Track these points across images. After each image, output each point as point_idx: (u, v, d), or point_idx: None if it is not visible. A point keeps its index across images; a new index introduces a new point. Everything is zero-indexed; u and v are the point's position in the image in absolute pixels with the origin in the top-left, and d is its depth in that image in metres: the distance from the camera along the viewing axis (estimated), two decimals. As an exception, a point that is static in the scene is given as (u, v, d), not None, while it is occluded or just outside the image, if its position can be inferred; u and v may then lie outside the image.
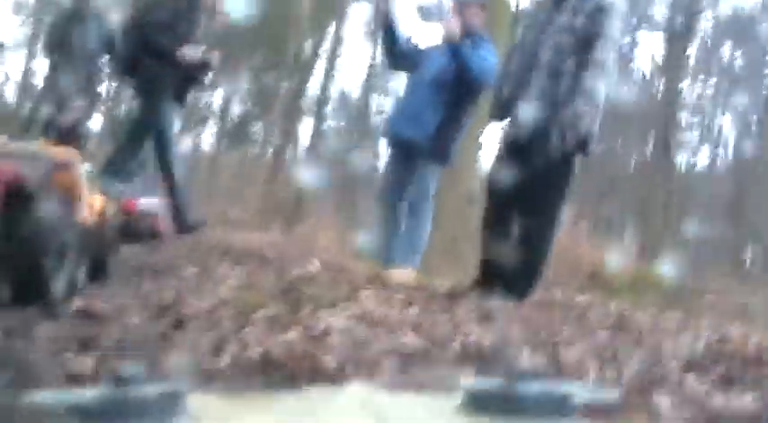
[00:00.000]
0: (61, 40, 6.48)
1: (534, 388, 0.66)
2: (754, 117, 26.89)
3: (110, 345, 2.13)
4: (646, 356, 2.46)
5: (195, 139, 28.73)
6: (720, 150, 28.89)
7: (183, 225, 5.84)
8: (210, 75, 6.79)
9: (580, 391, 0.67)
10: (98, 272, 3.72)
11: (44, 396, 0.68)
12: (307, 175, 14.92)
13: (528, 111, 4.26)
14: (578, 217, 14.74)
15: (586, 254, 16.56)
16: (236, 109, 29.71)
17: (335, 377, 1.86)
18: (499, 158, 4.52)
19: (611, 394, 0.83)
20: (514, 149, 4.33)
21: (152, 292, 3.15)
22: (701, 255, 28.84)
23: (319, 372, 1.92)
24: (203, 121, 28.36)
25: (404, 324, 2.60)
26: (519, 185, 4.22)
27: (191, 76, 5.85)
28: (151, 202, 7.68)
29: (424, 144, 5.09)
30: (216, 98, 29.28)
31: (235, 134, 28.56)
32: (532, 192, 4.22)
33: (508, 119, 4.42)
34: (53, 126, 6.21)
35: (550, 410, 0.64)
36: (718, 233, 27.82)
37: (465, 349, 2.25)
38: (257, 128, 28.04)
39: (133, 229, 6.50)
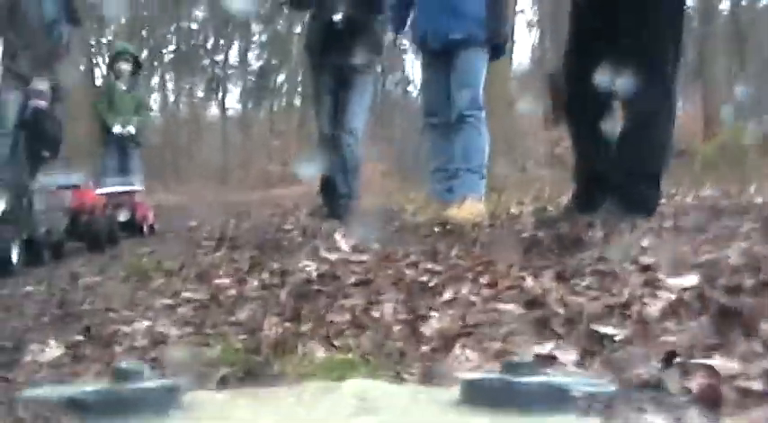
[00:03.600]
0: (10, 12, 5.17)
1: (532, 381, 0.62)
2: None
3: None
4: None
5: (219, 102, 27.86)
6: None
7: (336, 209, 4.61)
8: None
9: (578, 384, 0.63)
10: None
11: (42, 390, 0.68)
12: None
13: None
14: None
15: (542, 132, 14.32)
16: (255, 64, 28.69)
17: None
18: (576, 21, 3.24)
19: (608, 387, 0.69)
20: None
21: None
22: None
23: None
24: (223, 82, 27.43)
25: None
26: (612, 46, 2.93)
27: None
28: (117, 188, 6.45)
29: (479, 37, 3.99)
30: (231, 56, 28.23)
31: (257, 89, 27.57)
32: (634, 48, 2.91)
33: None
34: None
35: (549, 404, 0.61)
36: None
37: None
38: (280, 78, 26.86)
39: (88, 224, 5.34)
